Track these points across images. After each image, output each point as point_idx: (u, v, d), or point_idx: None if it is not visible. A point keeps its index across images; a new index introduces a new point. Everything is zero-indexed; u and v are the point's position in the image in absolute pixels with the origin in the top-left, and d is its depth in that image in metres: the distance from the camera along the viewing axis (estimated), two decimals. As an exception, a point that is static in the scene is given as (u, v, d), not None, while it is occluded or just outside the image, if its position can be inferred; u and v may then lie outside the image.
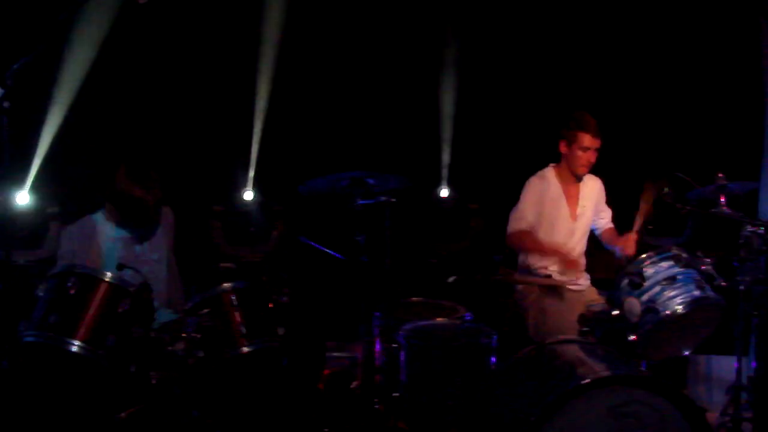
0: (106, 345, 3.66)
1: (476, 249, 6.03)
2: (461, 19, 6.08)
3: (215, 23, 5.91)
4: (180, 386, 3.85)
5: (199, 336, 3.84)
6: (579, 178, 4.80)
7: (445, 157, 6.20)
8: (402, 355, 4.26)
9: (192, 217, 5.29)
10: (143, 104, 5.93)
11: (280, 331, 4.03)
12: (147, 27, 5.57)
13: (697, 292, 3.97)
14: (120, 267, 3.83)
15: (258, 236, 5.94)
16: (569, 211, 4.78)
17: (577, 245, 4.84)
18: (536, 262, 4.77)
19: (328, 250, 4.95)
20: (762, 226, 4.24)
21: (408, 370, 4.23)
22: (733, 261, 4.28)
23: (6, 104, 3.60)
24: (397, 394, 4.29)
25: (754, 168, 5.27)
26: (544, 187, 4.77)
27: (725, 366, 4.87)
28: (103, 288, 3.73)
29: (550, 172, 4.82)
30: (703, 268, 4.07)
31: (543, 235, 4.73)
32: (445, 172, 6.21)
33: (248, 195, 6.02)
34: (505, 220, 4.78)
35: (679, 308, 3.92)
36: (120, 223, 4.29)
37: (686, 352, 4.30)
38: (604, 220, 5.01)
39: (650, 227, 4.56)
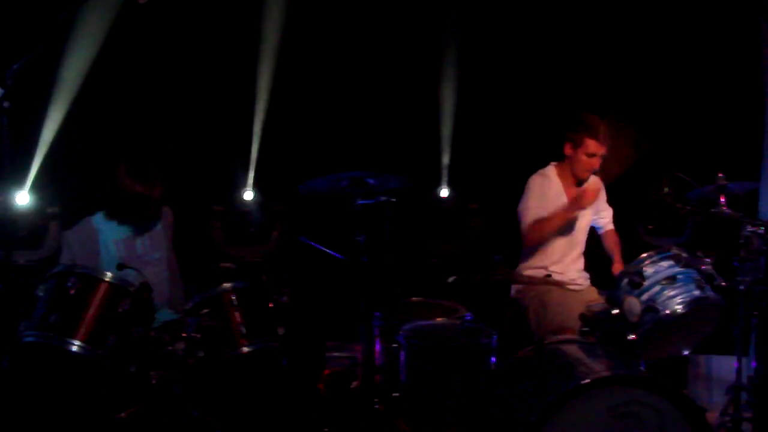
0: (106, 345, 3.66)
1: (476, 249, 6.03)
2: (461, 18, 6.07)
3: (215, 23, 5.91)
4: (180, 386, 3.84)
5: (199, 336, 3.83)
6: (580, 182, 4.80)
7: (445, 157, 6.19)
8: (402, 355, 4.26)
9: (192, 217, 5.29)
10: (143, 104, 5.92)
11: (280, 331, 4.03)
12: (147, 27, 5.56)
13: (697, 292, 3.97)
14: (120, 267, 3.83)
15: (258, 236, 5.94)
16: (570, 210, 4.78)
17: (578, 245, 4.85)
18: (537, 262, 4.77)
19: (328, 250, 4.94)
20: (762, 226, 4.23)
21: (408, 370, 4.23)
22: (733, 261, 4.28)
23: (6, 104, 3.60)
24: (397, 394, 4.29)
25: (754, 168, 5.27)
26: (546, 185, 4.76)
27: (725, 366, 4.87)
28: (103, 288, 3.73)
29: (551, 171, 4.82)
30: (703, 268, 4.07)
31: None
32: (445, 172, 6.20)
33: (248, 195, 6.01)
34: (506, 220, 4.78)
35: (679, 308, 3.92)
36: (122, 220, 4.29)
37: (686, 352, 4.31)
38: (605, 219, 5.01)
39: (650, 227, 4.56)
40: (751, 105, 5.47)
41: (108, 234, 4.30)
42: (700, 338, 4.21)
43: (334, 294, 5.19)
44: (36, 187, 5.36)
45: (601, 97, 5.90)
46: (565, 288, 4.61)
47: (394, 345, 4.35)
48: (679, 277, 3.99)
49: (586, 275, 4.90)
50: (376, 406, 4.34)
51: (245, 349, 3.90)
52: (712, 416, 4.37)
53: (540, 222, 4.65)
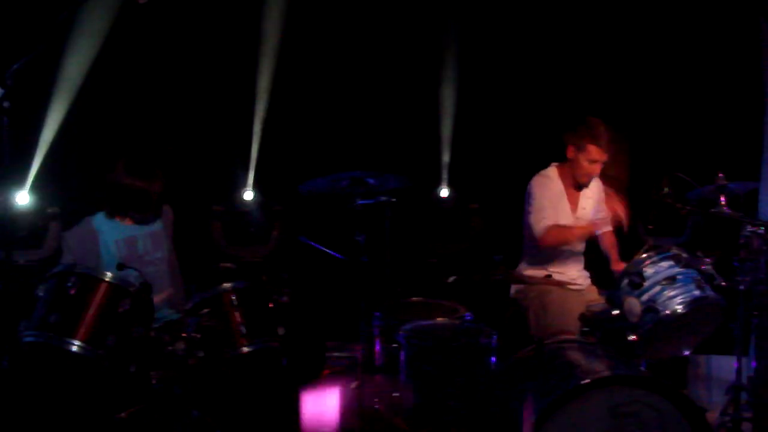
0: (106, 345, 3.66)
1: (476, 249, 6.03)
2: (461, 18, 6.08)
3: (215, 23, 5.91)
4: (180, 386, 3.85)
5: (199, 336, 3.84)
6: (580, 186, 4.79)
7: (445, 157, 6.19)
8: (402, 355, 4.26)
9: (192, 217, 5.29)
10: (143, 104, 5.92)
11: (280, 331, 4.03)
12: (147, 27, 5.57)
13: (697, 292, 3.97)
14: (120, 267, 3.83)
15: (258, 236, 5.94)
16: (570, 211, 4.78)
17: (578, 244, 4.84)
18: (537, 262, 4.77)
19: (328, 250, 4.95)
20: (762, 226, 4.23)
21: (408, 370, 4.23)
22: (733, 261, 4.28)
23: (6, 104, 3.60)
24: (397, 394, 4.29)
25: (754, 168, 5.27)
26: (548, 185, 4.76)
27: (725, 366, 4.87)
28: (103, 288, 3.73)
29: (553, 171, 4.81)
30: (703, 268, 4.07)
31: None
32: (445, 172, 6.21)
33: (248, 195, 6.01)
34: (506, 220, 4.78)
35: (679, 308, 3.92)
36: (123, 216, 4.29)
37: (686, 352, 4.31)
38: (604, 221, 5.00)
39: (650, 227, 4.56)
40: (751, 105, 5.47)
41: (108, 234, 4.30)
42: (701, 338, 4.21)
43: (334, 294, 5.20)
44: (36, 187, 5.36)
45: (602, 96, 5.90)
46: (566, 288, 4.61)
47: (394, 345, 4.35)
48: (679, 277, 3.99)
49: (587, 275, 4.90)
50: (376, 406, 4.34)
51: (245, 349, 3.90)
52: (712, 416, 4.37)
53: (561, 230, 4.64)
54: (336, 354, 5.32)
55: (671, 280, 3.98)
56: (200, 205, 5.82)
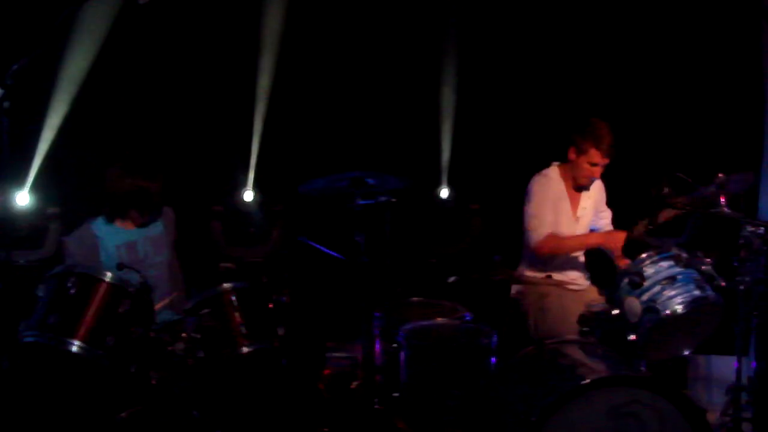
0: (106, 345, 3.66)
1: (476, 249, 6.03)
2: (462, 17, 6.08)
3: (215, 23, 5.91)
4: (180, 386, 3.84)
5: (199, 336, 3.84)
6: (580, 188, 4.79)
7: (445, 157, 6.19)
8: (402, 355, 4.26)
9: (192, 217, 5.29)
10: (143, 104, 5.93)
11: (280, 331, 4.03)
12: (147, 27, 5.57)
13: (697, 292, 3.97)
14: (120, 267, 3.83)
15: (258, 236, 5.94)
16: (571, 211, 4.78)
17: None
18: (538, 263, 4.77)
19: (328, 250, 4.94)
20: (762, 226, 4.23)
21: (408, 370, 4.23)
22: (733, 261, 4.28)
23: (6, 104, 3.60)
24: (397, 394, 4.29)
25: (754, 168, 5.27)
26: (548, 186, 4.76)
27: (725, 366, 4.87)
28: (103, 288, 3.72)
29: (554, 171, 4.80)
30: (703, 268, 4.06)
31: None
32: (445, 172, 6.21)
33: (248, 195, 6.01)
34: (506, 220, 4.77)
35: (679, 308, 3.92)
36: (124, 218, 4.29)
37: (686, 352, 4.30)
38: (604, 220, 5.01)
39: (650, 227, 4.56)
40: (751, 105, 5.47)
41: (109, 239, 4.28)
42: (701, 338, 4.21)
43: (334, 294, 5.19)
44: (36, 187, 5.36)
45: (602, 96, 5.89)
46: (566, 288, 4.61)
47: (394, 345, 4.34)
48: (679, 277, 3.99)
49: (587, 275, 4.90)
50: (376, 406, 4.34)
51: (245, 349, 3.89)
52: (712, 416, 4.37)
53: (560, 239, 4.65)
54: (336, 354, 5.32)
55: (671, 280, 3.98)
56: (200, 205, 5.82)
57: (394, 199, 4.60)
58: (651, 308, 3.93)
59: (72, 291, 3.68)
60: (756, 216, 5.10)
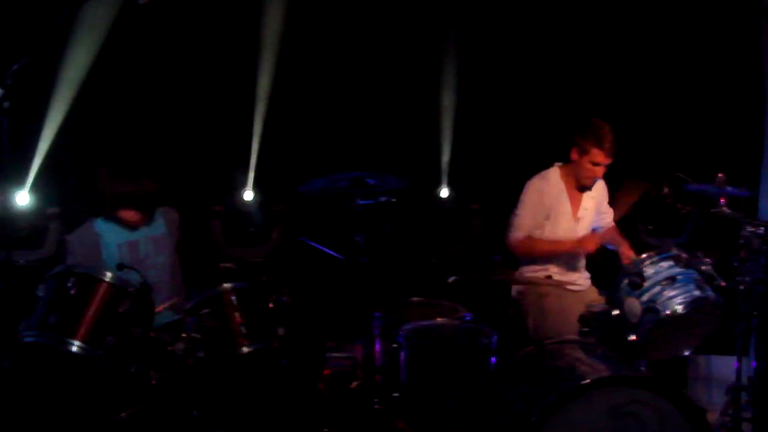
0: (106, 345, 3.66)
1: (476, 249, 6.03)
2: (462, 17, 6.08)
3: (215, 23, 5.91)
4: (180, 386, 3.84)
5: (199, 336, 3.84)
6: (582, 189, 4.79)
7: (445, 157, 6.19)
8: (402, 355, 4.26)
9: (192, 217, 5.29)
10: (143, 104, 5.92)
11: (280, 331, 4.03)
12: (147, 27, 5.57)
13: (697, 292, 3.97)
14: (120, 267, 3.83)
15: (258, 236, 5.94)
16: (571, 212, 4.78)
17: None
18: (538, 264, 4.77)
19: (328, 250, 4.94)
20: (762, 226, 4.23)
21: (408, 370, 4.23)
22: (733, 261, 4.28)
23: (6, 104, 3.60)
24: (397, 394, 4.29)
25: (755, 168, 5.27)
26: (545, 188, 4.75)
27: (725, 366, 4.87)
28: (103, 288, 3.72)
29: (554, 173, 4.79)
30: (703, 268, 4.06)
31: (548, 234, 4.72)
32: (445, 172, 6.21)
33: (248, 195, 6.01)
34: (506, 220, 4.77)
35: (679, 308, 3.92)
36: (117, 215, 4.29)
37: (686, 352, 4.30)
38: (606, 220, 5.00)
39: (650, 227, 4.56)
40: (751, 105, 5.47)
41: (110, 237, 4.29)
42: (701, 338, 4.21)
43: (334, 294, 5.19)
44: (36, 187, 5.36)
45: (602, 96, 5.89)
46: (566, 288, 4.61)
47: (394, 345, 4.35)
48: (679, 277, 3.99)
49: (587, 275, 4.90)
50: (376, 406, 4.34)
51: (245, 349, 3.89)
52: (712, 416, 4.37)
53: (534, 242, 4.69)
54: (336, 354, 5.32)
55: (671, 280, 3.98)
56: (200, 205, 5.82)
57: (394, 199, 4.60)
58: (651, 308, 3.93)
59: (72, 291, 3.68)
60: (756, 216, 5.10)
